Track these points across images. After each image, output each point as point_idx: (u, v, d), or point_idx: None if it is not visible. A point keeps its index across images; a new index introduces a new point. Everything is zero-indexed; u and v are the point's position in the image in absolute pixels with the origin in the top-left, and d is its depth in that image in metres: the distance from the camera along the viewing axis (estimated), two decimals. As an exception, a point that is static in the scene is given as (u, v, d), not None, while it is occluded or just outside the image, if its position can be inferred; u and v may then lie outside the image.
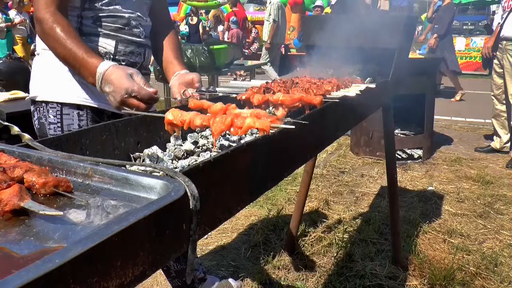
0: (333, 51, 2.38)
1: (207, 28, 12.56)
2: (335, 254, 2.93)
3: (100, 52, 1.62)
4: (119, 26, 1.66)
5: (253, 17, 16.03)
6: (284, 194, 3.90)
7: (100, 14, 1.62)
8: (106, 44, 1.64)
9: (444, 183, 4.32)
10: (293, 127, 1.07)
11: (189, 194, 0.68)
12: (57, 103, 1.62)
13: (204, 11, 15.06)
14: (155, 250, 0.69)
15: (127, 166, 0.82)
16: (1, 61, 4.43)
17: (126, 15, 1.67)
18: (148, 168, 0.78)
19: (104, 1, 1.61)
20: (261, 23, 16.54)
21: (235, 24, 11.97)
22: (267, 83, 1.67)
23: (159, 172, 0.72)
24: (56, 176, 0.76)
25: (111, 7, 1.64)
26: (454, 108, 8.06)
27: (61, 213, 0.60)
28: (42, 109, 1.65)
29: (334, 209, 3.71)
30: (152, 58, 1.89)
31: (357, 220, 3.48)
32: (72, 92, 1.62)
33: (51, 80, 1.63)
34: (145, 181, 0.67)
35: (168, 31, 1.90)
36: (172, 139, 1.38)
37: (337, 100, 1.50)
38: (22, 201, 0.63)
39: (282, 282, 2.63)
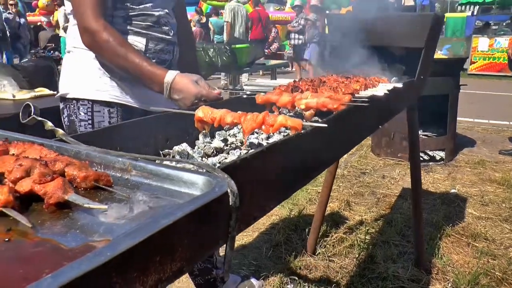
0: (357, 50, 2.36)
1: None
2: (357, 256, 2.90)
3: None
4: (149, 24, 1.67)
5: (273, 17, 16.01)
6: (305, 194, 3.88)
7: (131, 13, 1.64)
8: (137, 42, 1.65)
9: (467, 186, 4.25)
10: (326, 125, 1.07)
11: (229, 190, 0.68)
12: (88, 100, 1.64)
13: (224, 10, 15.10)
14: (192, 246, 0.68)
15: (165, 161, 0.82)
16: (27, 59, 4.51)
17: (156, 13, 1.69)
18: (187, 165, 0.78)
19: (135, 0, 1.63)
20: (281, 22, 16.54)
21: (199, 23, 12.84)
22: (294, 81, 1.66)
23: (199, 168, 0.72)
24: (96, 170, 0.76)
25: (141, 6, 1.65)
26: (477, 110, 7.92)
27: (106, 206, 0.60)
28: (72, 106, 1.66)
29: (356, 210, 3.68)
30: None
31: (378, 221, 3.44)
32: (103, 90, 1.63)
33: (82, 78, 1.65)
34: (186, 177, 0.66)
35: (186, 33, 1.96)
36: (200, 136, 1.38)
37: (367, 100, 1.49)
38: (66, 194, 0.64)
39: (303, 283, 2.61)
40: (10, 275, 0.46)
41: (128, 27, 1.64)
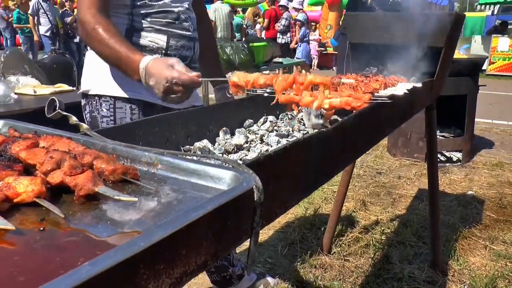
0: (376, 49, 2.35)
1: (244, 26, 12.62)
2: (372, 256, 2.89)
3: (153, 47, 1.65)
4: (169, 20, 1.67)
5: (291, 15, 15.97)
6: (320, 193, 3.88)
7: (150, 10, 1.64)
8: (158, 39, 1.66)
9: (484, 188, 4.20)
10: (352, 81, 1.09)
11: (254, 186, 0.69)
12: (110, 96, 1.66)
13: (241, 9, 15.12)
14: (217, 241, 0.70)
15: (191, 157, 0.83)
16: (46, 55, 4.58)
17: (176, 9, 1.69)
18: (213, 161, 0.79)
19: None
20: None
21: None
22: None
23: (225, 164, 0.73)
24: (123, 163, 0.78)
25: (161, 2, 1.65)
26: (495, 111, 7.81)
27: (136, 199, 0.62)
28: (95, 102, 1.69)
29: (371, 210, 3.66)
30: None
31: (394, 222, 3.43)
32: (125, 87, 1.65)
33: (104, 74, 1.66)
34: (213, 172, 0.68)
35: (206, 28, 1.95)
36: (221, 133, 1.39)
37: (387, 100, 1.48)
38: (96, 186, 0.65)
39: (318, 281, 2.61)
40: (48, 262, 0.47)
41: (149, 25, 1.65)
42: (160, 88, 1.35)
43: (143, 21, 1.64)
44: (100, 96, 1.67)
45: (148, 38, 1.65)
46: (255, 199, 0.70)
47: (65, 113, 1.19)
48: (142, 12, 1.63)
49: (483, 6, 20.03)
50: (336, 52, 10.11)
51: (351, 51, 2.53)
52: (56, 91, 3.09)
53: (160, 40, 1.66)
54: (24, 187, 0.62)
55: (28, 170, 0.72)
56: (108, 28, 1.46)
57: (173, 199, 0.66)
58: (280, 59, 5.05)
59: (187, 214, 0.53)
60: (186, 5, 1.74)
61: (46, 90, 3.04)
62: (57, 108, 1.18)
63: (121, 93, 1.65)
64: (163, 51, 1.66)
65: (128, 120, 1.65)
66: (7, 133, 0.90)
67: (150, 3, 1.64)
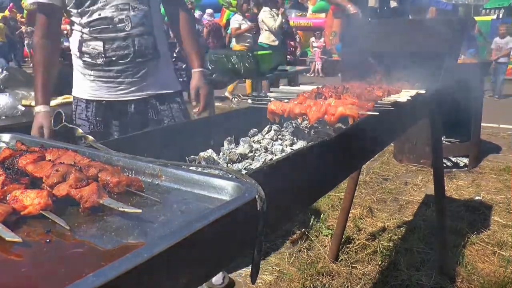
0: (379, 56, 2.36)
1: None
2: (379, 262, 2.88)
3: (93, 54, 1.88)
4: (104, 27, 1.85)
5: (295, 23, 16.06)
6: (327, 200, 3.87)
7: (90, 19, 1.85)
8: (97, 46, 1.87)
9: (492, 193, 4.17)
10: (377, 113, 1.26)
11: (257, 196, 0.69)
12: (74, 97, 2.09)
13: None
14: (220, 250, 0.70)
15: (194, 167, 0.84)
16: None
17: (110, 14, 1.84)
18: (215, 171, 0.80)
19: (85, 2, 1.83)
20: (303, 28, 16.55)
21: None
22: (318, 88, 1.67)
23: (228, 174, 0.74)
24: (127, 175, 0.79)
25: (95, 7, 1.83)
26: (502, 115, 7.77)
27: (140, 210, 0.63)
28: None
29: (378, 216, 3.65)
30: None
31: (401, 228, 3.41)
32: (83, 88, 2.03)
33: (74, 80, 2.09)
34: (216, 182, 0.69)
35: (180, 13, 2.07)
36: (225, 143, 1.40)
37: (390, 107, 1.49)
38: (101, 198, 0.66)
39: (326, 289, 2.61)
40: (53, 273, 0.48)
41: (90, 35, 1.87)
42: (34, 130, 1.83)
43: (87, 32, 1.86)
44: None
45: (90, 46, 1.88)
46: (258, 209, 0.71)
47: (71, 126, 1.21)
48: (85, 22, 1.85)
49: (488, 10, 20.00)
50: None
51: (355, 58, 2.54)
52: (62, 102, 3.12)
53: (98, 46, 1.87)
54: (31, 200, 0.63)
55: (34, 183, 0.73)
56: (40, 59, 1.88)
57: (177, 210, 0.67)
58: (285, 67, 5.06)
59: (190, 225, 0.54)
60: (120, 5, 1.85)
61: (52, 101, 3.06)
62: (63, 121, 1.21)
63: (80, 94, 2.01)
64: (103, 55, 1.87)
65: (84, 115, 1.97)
66: (15, 146, 0.92)
67: (87, 9, 1.83)
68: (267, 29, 8.23)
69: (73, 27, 1.93)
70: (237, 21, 8.65)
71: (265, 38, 8.35)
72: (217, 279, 2.51)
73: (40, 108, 1.86)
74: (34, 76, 1.92)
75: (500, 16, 18.02)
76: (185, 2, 2.24)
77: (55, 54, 1.98)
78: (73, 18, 1.90)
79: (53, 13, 1.90)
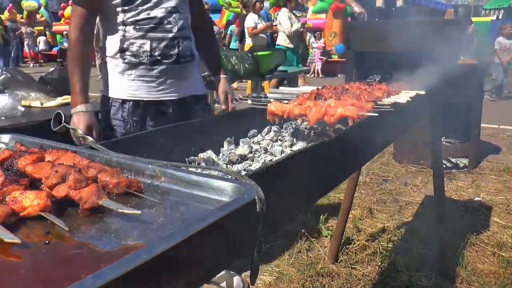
0: (379, 57, 2.36)
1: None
2: (379, 263, 2.88)
3: (139, 52, 1.87)
4: (152, 26, 1.86)
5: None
6: (327, 201, 3.87)
7: (137, 18, 1.84)
8: (144, 44, 1.86)
9: (492, 194, 4.17)
10: (377, 114, 1.25)
11: (256, 197, 0.69)
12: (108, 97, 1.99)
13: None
14: (220, 252, 0.70)
15: (194, 168, 0.84)
16: (53, 68, 4.62)
17: (159, 14, 1.86)
18: (215, 172, 0.80)
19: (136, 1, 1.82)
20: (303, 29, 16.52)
21: None
22: (317, 89, 1.67)
23: (227, 175, 0.74)
24: (127, 176, 0.79)
25: (145, 6, 1.83)
26: (502, 116, 7.76)
27: (139, 212, 0.62)
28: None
29: (378, 217, 3.65)
30: None
31: (401, 229, 3.41)
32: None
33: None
34: (216, 184, 0.68)
35: (204, 27, 2.15)
36: (225, 143, 1.40)
37: (389, 108, 1.49)
38: (100, 200, 0.66)
39: (325, 290, 2.60)
40: (53, 275, 0.48)
41: (136, 33, 1.85)
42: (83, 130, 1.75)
43: (132, 30, 1.85)
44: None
45: (135, 44, 1.86)
46: (258, 210, 0.71)
47: (70, 126, 1.21)
48: (131, 20, 1.84)
49: (487, 11, 20.02)
50: (341, 60, 10.12)
51: (356, 59, 2.54)
52: (62, 103, 3.13)
53: (145, 45, 1.87)
54: (30, 201, 0.63)
55: (34, 184, 0.73)
56: (77, 55, 1.83)
57: (176, 212, 0.66)
58: (284, 68, 5.07)
59: (190, 226, 0.54)
60: (170, 8, 1.89)
61: (52, 102, 3.07)
62: (62, 122, 1.21)
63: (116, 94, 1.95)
64: (149, 54, 1.87)
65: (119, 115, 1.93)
66: (14, 147, 0.92)
67: (135, 7, 1.83)
68: (283, 31, 8.01)
69: (108, 25, 1.89)
70: (253, 20, 8.22)
71: (282, 40, 8.13)
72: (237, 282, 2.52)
73: (82, 108, 1.80)
74: (70, 73, 1.83)
75: (500, 17, 18.03)
76: (205, 9, 2.30)
77: (90, 49, 1.96)
78: (113, 15, 1.85)
79: (93, 4, 1.84)
